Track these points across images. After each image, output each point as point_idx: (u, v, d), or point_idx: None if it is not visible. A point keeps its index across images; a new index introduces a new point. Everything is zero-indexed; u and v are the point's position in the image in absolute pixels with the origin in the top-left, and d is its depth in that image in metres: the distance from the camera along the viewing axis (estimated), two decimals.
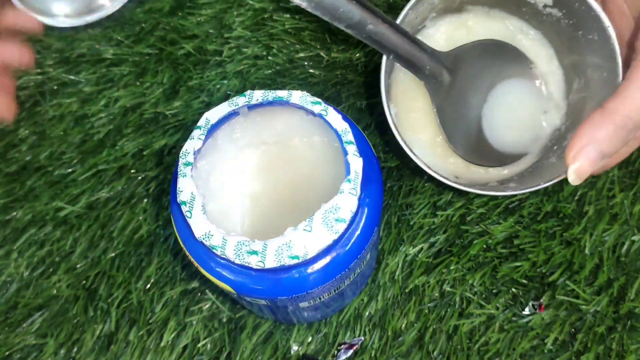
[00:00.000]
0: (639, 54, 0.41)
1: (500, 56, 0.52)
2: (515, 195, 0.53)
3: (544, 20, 0.51)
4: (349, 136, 0.38)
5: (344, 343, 0.50)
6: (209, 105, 0.58)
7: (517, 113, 0.52)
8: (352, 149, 0.38)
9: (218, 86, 0.59)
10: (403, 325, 0.50)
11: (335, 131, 0.39)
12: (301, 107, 0.40)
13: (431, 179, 0.49)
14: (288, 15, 0.61)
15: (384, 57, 0.47)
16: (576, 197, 0.52)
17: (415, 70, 0.48)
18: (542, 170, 0.49)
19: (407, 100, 0.52)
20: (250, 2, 0.62)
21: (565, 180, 0.42)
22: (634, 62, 0.41)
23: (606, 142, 0.40)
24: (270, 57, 0.59)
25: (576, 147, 0.40)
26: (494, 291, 0.50)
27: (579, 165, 0.40)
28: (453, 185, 0.46)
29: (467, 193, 0.53)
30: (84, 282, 0.53)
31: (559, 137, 0.51)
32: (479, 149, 0.51)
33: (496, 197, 0.53)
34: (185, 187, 0.37)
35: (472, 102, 0.51)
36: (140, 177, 0.56)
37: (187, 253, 0.39)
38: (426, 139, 0.51)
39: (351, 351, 0.49)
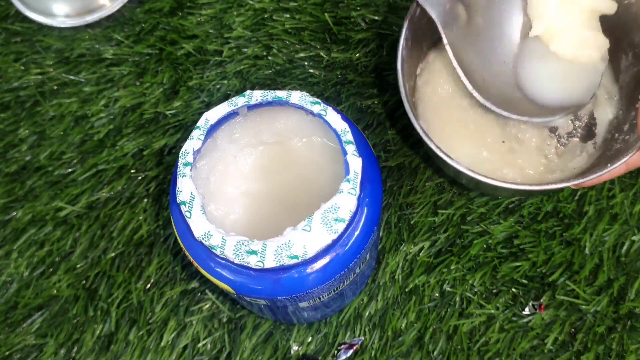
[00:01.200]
0: None
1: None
2: (583, 181, 0.43)
3: None
4: (348, 136, 0.38)
5: (344, 343, 0.49)
6: (209, 105, 0.58)
7: (563, 62, 0.44)
8: (351, 149, 0.38)
9: (218, 86, 0.59)
10: (403, 325, 0.50)
11: (335, 131, 0.39)
12: (300, 107, 0.40)
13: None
14: (288, 15, 0.61)
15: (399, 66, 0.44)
16: (576, 197, 0.52)
17: None
18: (607, 161, 0.43)
19: (439, 115, 0.47)
20: (250, 2, 0.62)
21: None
22: None
23: None
24: (270, 57, 0.59)
25: None
26: (494, 291, 0.50)
27: None
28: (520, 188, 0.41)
29: (468, 192, 0.53)
30: (84, 282, 0.53)
31: (617, 125, 0.46)
32: (511, 99, 0.44)
33: (497, 197, 0.53)
34: (184, 187, 0.37)
35: (499, 49, 0.44)
36: (140, 177, 0.56)
37: (187, 253, 0.39)
38: (468, 153, 0.46)
39: (351, 351, 0.49)
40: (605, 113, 0.47)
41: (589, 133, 0.47)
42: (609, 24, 0.45)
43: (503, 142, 0.46)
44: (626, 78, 0.46)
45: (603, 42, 0.43)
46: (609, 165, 0.40)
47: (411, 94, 0.48)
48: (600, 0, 0.42)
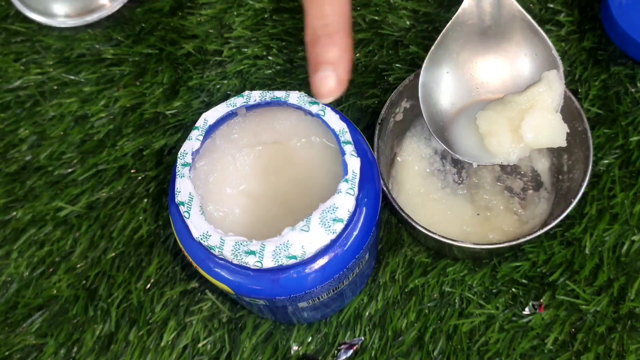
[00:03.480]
0: None
1: None
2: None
3: None
4: (346, 136, 0.38)
5: (344, 343, 0.49)
6: (209, 105, 0.58)
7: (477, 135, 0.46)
8: (349, 149, 0.38)
9: (218, 86, 0.59)
10: (403, 325, 0.50)
11: (333, 131, 0.39)
12: (299, 108, 0.40)
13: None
14: (288, 15, 0.61)
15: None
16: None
17: None
18: (562, 198, 0.50)
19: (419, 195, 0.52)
20: (250, 2, 0.61)
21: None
22: None
23: None
24: (270, 57, 0.59)
25: None
26: (494, 291, 0.50)
27: None
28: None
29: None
30: (84, 282, 0.53)
31: (556, 169, 0.52)
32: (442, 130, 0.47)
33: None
34: (183, 188, 0.37)
35: (472, 84, 0.47)
36: (140, 177, 0.56)
37: (186, 253, 0.39)
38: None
39: (351, 351, 0.49)
40: (542, 163, 0.53)
41: (537, 183, 0.53)
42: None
43: (478, 214, 0.51)
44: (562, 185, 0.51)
45: (521, 155, 0.44)
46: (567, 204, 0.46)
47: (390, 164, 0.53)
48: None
